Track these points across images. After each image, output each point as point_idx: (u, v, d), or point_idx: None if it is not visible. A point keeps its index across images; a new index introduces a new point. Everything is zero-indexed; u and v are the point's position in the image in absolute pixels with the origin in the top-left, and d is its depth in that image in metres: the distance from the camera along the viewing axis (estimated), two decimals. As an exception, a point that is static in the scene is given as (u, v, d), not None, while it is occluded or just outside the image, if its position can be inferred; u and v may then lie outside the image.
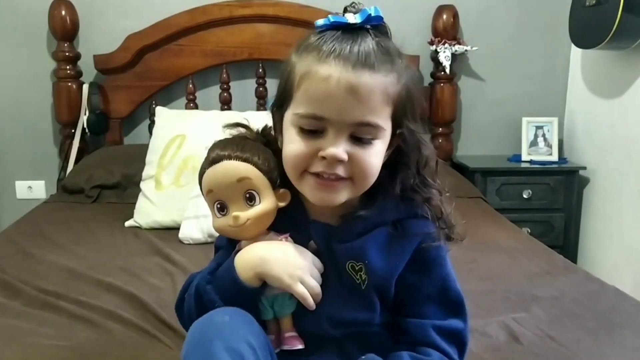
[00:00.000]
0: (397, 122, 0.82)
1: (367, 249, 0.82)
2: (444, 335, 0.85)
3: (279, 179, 0.86)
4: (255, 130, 0.90)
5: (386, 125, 0.79)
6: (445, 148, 2.58)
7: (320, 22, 0.80)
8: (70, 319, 1.23)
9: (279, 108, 0.85)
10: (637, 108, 2.25)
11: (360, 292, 0.83)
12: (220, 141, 0.86)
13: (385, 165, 0.83)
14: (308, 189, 0.80)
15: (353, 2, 0.81)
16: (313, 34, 0.81)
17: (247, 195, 0.83)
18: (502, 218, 2.06)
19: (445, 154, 2.58)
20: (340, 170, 0.77)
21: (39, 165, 2.55)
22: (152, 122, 2.38)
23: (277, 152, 0.86)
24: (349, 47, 0.76)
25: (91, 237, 1.78)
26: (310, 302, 0.81)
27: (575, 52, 2.63)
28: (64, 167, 2.42)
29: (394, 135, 0.82)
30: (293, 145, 0.79)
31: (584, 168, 2.51)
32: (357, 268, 0.83)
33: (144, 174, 2.03)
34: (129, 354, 1.08)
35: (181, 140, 2.04)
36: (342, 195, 0.80)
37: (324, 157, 0.76)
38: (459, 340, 0.86)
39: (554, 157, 2.54)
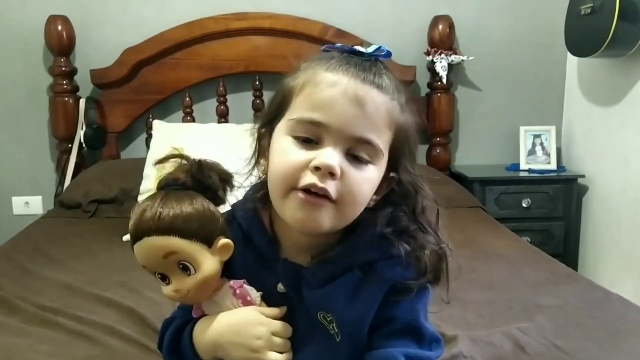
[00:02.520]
0: (393, 159, 0.77)
1: (334, 300, 0.76)
2: None
3: (218, 225, 0.78)
4: (190, 162, 0.80)
5: (384, 151, 0.75)
6: (443, 158, 2.58)
7: (327, 46, 0.79)
8: (68, 335, 1.21)
9: (269, 123, 0.79)
10: (634, 115, 2.25)
11: (335, 343, 0.77)
12: (138, 206, 0.77)
13: (369, 207, 0.77)
14: (292, 209, 0.73)
15: (362, 42, 0.81)
16: (319, 54, 0.78)
17: (181, 266, 0.75)
18: (502, 227, 2.05)
19: (443, 164, 2.58)
20: (331, 187, 0.70)
21: (36, 181, 2.54)
22: (149, 136, 2.38)
23: (211, 188, 0.79)
24: (358, 66, 0.73)
25: (89, 252, 1.77)
26: None
27: (572, 61, 2.64)
28: (61, 182, 2.40)
29: (385, 178, 0.77)
30: (283, 156, 0.73)
31: (583, 176, 2.51)
32: (328, 319, 0.77)
33: (142, 188, 2.02)
34: (128, 370, 1.07)
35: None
36: (325, 219, 0.72)
37: (316, 168, 0.70)
38: None
39: (553, 166, 2.54)
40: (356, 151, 0.72)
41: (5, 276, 1.54)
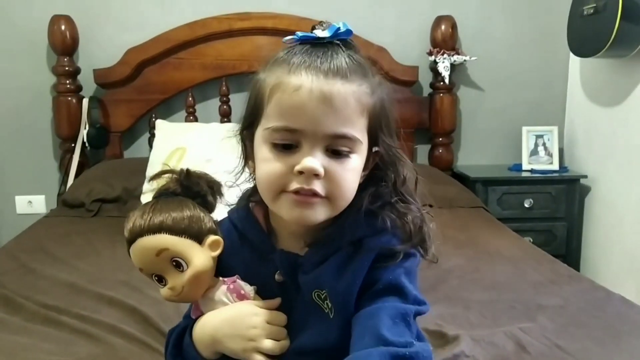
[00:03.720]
0: (373, 137, 0.78)
1: (327, 275, 0.79)
2: (397, 317, 0.75)
3: (206, 224, 0.82)
4: (179, 171, 0.85)
5: (362, 138, 0.76)
6: (445, 158, 2.58)
7: (288, 37, 0.78)
8: (71, 333, 1.21)
9: (248, 129, 0.81)
10: (637, 115, 2.25)
11: (329, 321, 0.79)
12: (130, 215, 0.81)
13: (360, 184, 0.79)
14: (285, 208, 0.75)
15: (321, 21, 0.78)
16: (281, 50, 0.78)
17: (174, 263, 0.79)
18: (504, 227, 2.05)
19: (446, 164, 2.58)
20: (318, 187, 0.73)
21: (39, 180, 2.54)
22: (152, 136, 2.38)
23: (200, 194, 0.83)
24: (319, 58, 0.73)
25: (92, 251, 1.77)
26: None
27: (574, 61, 2.64)
28: (64, 181, 2.41)
29: (370, 153, 0.79)
30: (266, 164, 0.75)
31: (585, 176, 2.51)
32: (322, 296, 0.79)
33: (145, 187, 2.03)
34: (131, 369, 1.07)
35: (181, 153, 2.04)
36: (320, 213, 0.75)
37: (300, 172, 0.72)
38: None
39: (555, 166, 2.54)
40: (335, 146, 0.74)
41: (8, 275, 1.54)
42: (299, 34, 0.77)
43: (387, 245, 0.78)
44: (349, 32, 0.76)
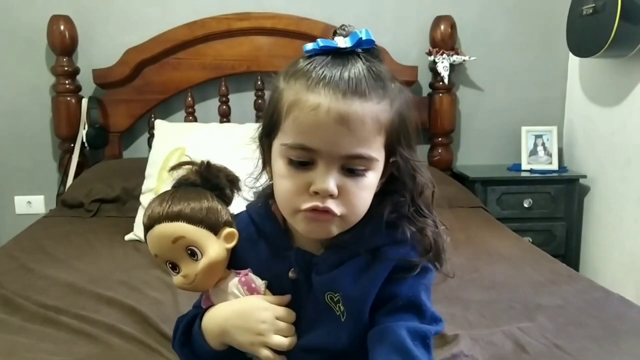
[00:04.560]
0: (390, 150, 0.78)
1: (342, 279, 0.80)
2: (417, 339, 0.77)
3: (223, 217, 0.84)
4: (200, 163, 0.86)
5: (379, 155, 0.76)
6: (444, 158, 2.58)
7: (309, 46, 0.76)
8: (70, 333, 1.22)
9: (266, 136, 0.81)
10: (636, 115, 2.25)
11: (340, 323, 0.80)
12: (151, 202, 0.83)
13: (375, 193, 0.80)
14: (301, 225, 0.77)
15: (343, 25, 0.77)
16: (302, 58, 0.77)
17: (189, 252, 0.81)
18: (504, 227, 2.05)
19: (445, 164, 2.58)
20: (332, 205, 0.74)
21: (38, 180, 2.54)
22: (152, 136, 2.38)
23: (218, 186, 0.85)
24: (339, 73, 0.72)
25: (91, 251, 1.77)
26: None
27: (573, 61, 2.64)
28: (63, 181, 2.41)
29: (387, 163, 0.79)
30: (283, 181, 0.76)
31: (584, 176, 2.51)
32: (335, 299, 0.80)
33: (144, 187, 2.02)
34: (130, 369, 1.07)
35: (181, 153, 2.03)
36: (334, 228, 0.77)
37: (315, 192, 0.73)
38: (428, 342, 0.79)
39: (554, 166, 2.54)
40: (350, 165, 0.74)
41: (7, 275, 1.55)
42: (320, 42, 0.75)
43: (406, 257, 0.79)
44: (370, 41, 0.75)
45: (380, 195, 0.81)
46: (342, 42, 0.75)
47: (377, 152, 0.76)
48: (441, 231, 0.83)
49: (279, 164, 0.77)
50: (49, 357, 1.10)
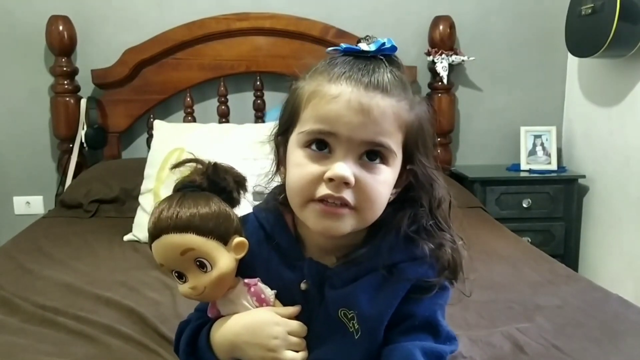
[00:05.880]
0: (408, 154, 0.78)
1: (358, 297, 0.78)
2: (432, 359, 0.77)
3: (232, 224, 0.80)
4: (206, 164, 0.82)
5: (397, 151, 0.75)
6: (444, 158, 2.58)
7: (331, 48, 0.77)
8: (69, 334, 1.21)
9: (283, 135, 0.81)
10: (635, 115, 2.25)
11: (353, 340, 0.79)
12: (157, 206, 0.79)
13: (391, 203, 0.79)
14: (312, 218, 0.75)
15: (367, 36, 0.78)
16: (323, 60, 0.78)
17: (198, 263, 0.78)
18: (503, 227, 2.05)
19: (444, 164, 2.58)
20: (347, 195, 0.72)
21: (37, 181, 2.54)
22: (150, 136, 2.38)
23: (225, 190, 0.81)
24: (360, 71, 0.73)
25: (90, 251, 1.77)
26: None
27: (572, 61, 2.64)
28: (62, 182, 2.41)
29: (404, 170, 0.79)
30: (298, 169, 0.75)
31: (583, 176, 2.51)
32: (349, 316, 0.78)
33: (143, 187, 2.02)
34: (128, 370, 1.07)
35: (179, 154, 2.03)
36: (347, 224, 0.74)
37: (330, 180, 0.71)
38: None
39: (553, 166, 2.54)
40: (368, 155, 0.74)
41: (6, 276, 1.54)
42: (343, 45, 0.76)
43: (424, 277, 0.78)
44: (393, 48, 0.76)
45: (398, 204, 0.80)
46: (365, 47, 0.76)
47: (395, 146, 0.75)
48: (459, 247, 0.82)
49: (295, 154, 0.76)
50: (47, 358, 1.09)
